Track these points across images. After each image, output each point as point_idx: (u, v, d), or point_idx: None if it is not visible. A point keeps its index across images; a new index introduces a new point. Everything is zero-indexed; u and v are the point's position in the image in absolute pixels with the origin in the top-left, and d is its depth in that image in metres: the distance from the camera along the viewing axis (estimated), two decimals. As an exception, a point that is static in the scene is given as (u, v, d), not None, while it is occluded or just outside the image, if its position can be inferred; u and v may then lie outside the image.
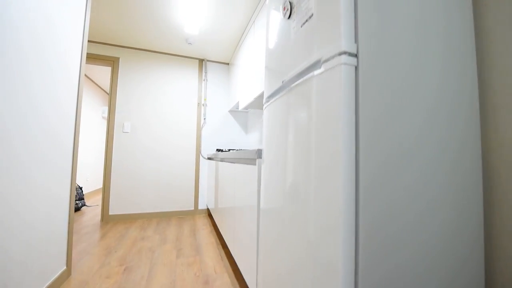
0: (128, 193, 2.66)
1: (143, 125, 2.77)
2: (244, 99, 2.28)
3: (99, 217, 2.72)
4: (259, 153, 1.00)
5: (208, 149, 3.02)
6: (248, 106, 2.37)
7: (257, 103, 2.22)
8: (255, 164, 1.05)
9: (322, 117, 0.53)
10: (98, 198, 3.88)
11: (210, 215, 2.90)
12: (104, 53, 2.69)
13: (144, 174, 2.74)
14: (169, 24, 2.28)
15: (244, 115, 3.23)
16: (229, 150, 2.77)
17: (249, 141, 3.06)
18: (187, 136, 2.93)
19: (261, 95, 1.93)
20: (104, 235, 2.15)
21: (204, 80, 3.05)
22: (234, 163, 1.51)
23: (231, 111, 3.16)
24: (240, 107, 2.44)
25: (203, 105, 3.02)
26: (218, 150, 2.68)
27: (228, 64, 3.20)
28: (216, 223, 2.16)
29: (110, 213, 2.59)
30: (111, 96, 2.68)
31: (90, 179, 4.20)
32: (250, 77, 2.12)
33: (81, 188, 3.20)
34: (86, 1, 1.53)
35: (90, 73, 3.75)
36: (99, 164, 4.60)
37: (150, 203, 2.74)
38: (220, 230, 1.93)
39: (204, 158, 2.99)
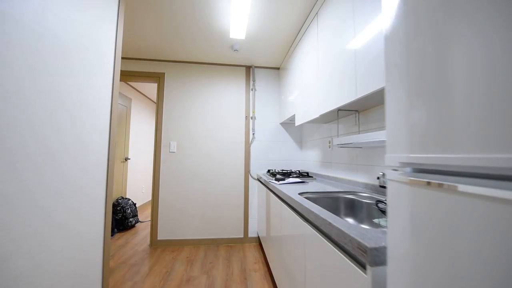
0: (175, 217, 2.49)
1: (189, 145, 2.56)
2: (304, 115, 1.80)
3: (149, 239, 2.63)
4: (372, 256, 0.53)
5: (258, 168, 2.64)
6: (309, 122, 1.88)
7: (321, 119, 1.72)
8: (362, 270, 0.57)
9: None
10: (152, 210, 3.96)
11: (261, 244, 2.53)
12: (150, 69, 2.57)
13: (191, 197, 2.53)
14: (213, 31, 1.97)
15: (298, 128, 2.74)
16: (282, 172, 2.33)
17: (304, 159, 2.57)
18: (235, 154, 2.62)
19: (331, 112, 1.43)
20: (151, 268, 1.97)
21: (252, 89, 2.68)
22: (299, 216, 1.06)
23: (283, 124, 2.71)
24: (298, 123, 1.97)
25: (251, 118, 2.66)
26: (270, 173, 2.27)
27: (278, 68, 2.76)
28: (272, 270, 1.75)
29: (158, 238, 2.46)
30: (157, 114, 2.55)
31: (145, 190, 4.35)
32: (314, 89, 1.63)
33: (134, 205, 3.24)
34: (117, 20, 1.30)
35: (138, 86, 3.81)
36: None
37: (197, 229, 2.51)
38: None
39: (254, 178, 2.62)
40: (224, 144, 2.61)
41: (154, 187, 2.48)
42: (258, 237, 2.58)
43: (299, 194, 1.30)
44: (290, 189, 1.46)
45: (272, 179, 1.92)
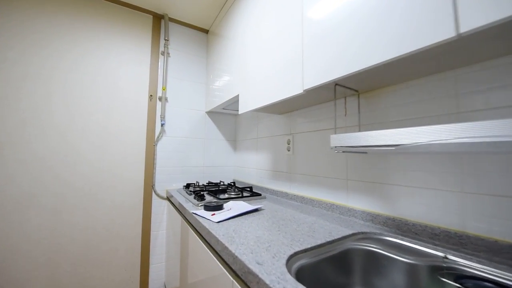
0: (-30, 295, 1.12)
1: (24, 139, 1.25)
2: (260, 95, 1.06)
3: None
4: None
5: (169, 179, 1.66)
6: (261, 110, 1.17)
7: (276, 108, 1.05)
8: None
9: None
10: None
11: (170, 302, 1.57)
12: None
13: (27, 242, 1.23)
14: None
15: (232, 119, 1.98)
16: (210, 187, 1.52)
17: (240, 164, 1.84)
18: (127, 157, 1.53)
19: (322, 88, 0.77)
20: None
21: (163, 53, 1.68)
22: None
23: (211, 113, 1.87)
24: (244, 109, 1.21)
25: (159, 98, 1.66)
26: (191, 189, 1.40)
27: (207, 32, 1.89)
28: None
29: None
30: None
31: None
32: (292, 47, 0.93)
33: None
34: None
35: None
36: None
37: (33, 307, 1.24)
38: None
39: (161, 197, 1.63)
40: (106, 140, 1.47)
41: None
42: (166, 290, 1.61)
43: (288, 261, 0.55)
44: (239, 232, 0.68)
45: (197, 206, 1.07)
